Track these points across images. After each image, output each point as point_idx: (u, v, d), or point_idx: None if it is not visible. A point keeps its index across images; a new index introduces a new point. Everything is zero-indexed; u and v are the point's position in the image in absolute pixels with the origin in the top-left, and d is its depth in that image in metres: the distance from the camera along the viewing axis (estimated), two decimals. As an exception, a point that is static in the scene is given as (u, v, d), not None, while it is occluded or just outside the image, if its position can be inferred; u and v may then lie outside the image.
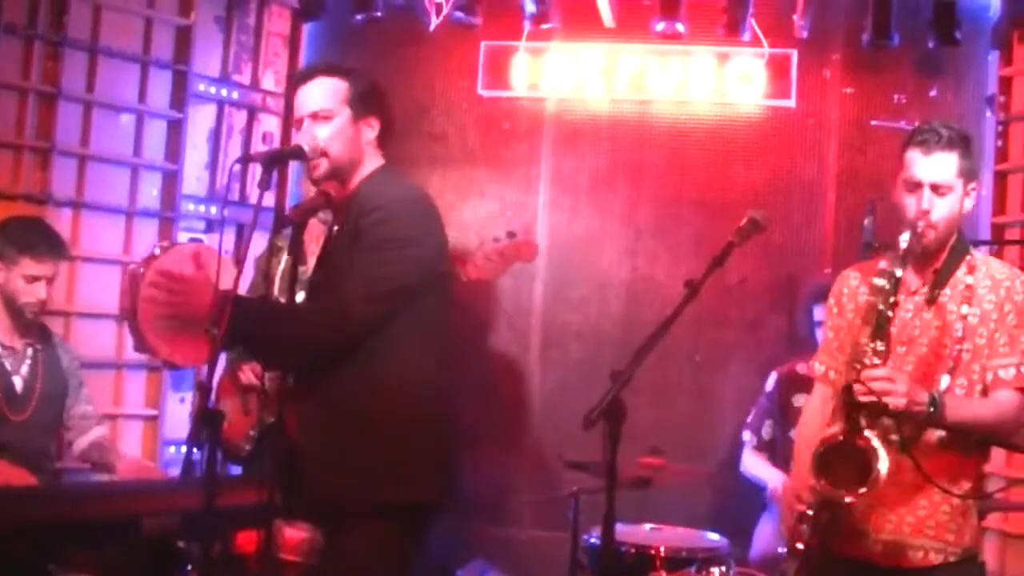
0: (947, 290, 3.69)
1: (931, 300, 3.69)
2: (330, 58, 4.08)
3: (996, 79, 6.06)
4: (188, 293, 3.65)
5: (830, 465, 3.54)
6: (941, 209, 3.64)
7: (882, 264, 3.66)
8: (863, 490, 3.47)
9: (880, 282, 3.58)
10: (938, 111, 6.08)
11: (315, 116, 3.89)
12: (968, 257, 3.74)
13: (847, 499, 3.51)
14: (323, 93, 3.91)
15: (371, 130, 3.97)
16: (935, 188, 3.63)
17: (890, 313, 3.56)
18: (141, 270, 3.86)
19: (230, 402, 5.38)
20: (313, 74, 3.97)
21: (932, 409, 3.46)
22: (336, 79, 3.93)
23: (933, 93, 6.18)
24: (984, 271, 3.71)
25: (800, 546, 3.70)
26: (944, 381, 3.62)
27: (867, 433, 3.50)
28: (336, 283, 3.79)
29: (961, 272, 3.71)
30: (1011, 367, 3.62)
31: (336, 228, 3.95)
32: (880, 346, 3.54)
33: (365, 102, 3.95)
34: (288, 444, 3.87)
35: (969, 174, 3.68)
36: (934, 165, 3.63)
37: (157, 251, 3.95)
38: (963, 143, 3.66)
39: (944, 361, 3.65)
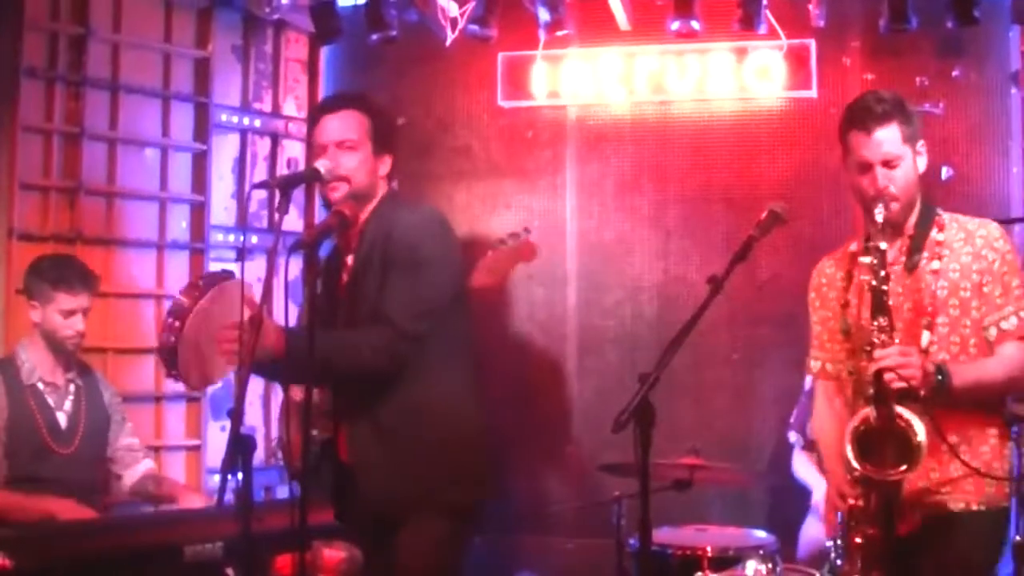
0: (925, 253, 3.71)
1: (911, 267, 3.71)
2: (350, 85, 4.33)
3: (1019, 55, 5.99)
4: (256, 335, 3.70)
5: (868, 449, 3.52)
6: (898, 180, 3.66)
7: (852, 247, 3.68)
8: (905, 467, 3.46)
9: (867, 259, 3.59)
10: (962, 91, 6.05)
11: (340, 144, 4.10)
12: (936, 217, 3.76)
13: (892, 477, 3.49)
14: (350, 125, 4.14)
15: (384, 165, 4.21)
16: (887, 163, 3.65)
17: (884, 287, 3.56)
18: (186, 303, 3.96)
19: (293, 423, 5.40)
20: (341, 105, 4.20)
21: (940, 377, 3.47)
22: (361, 114, 4.17)
23: (956, 74, 6.11)
24: (955, 226, 3.74)
25: (859, 540, 3.66)
26: (924, 338, 3.63)
27: (899, 409, 3.48)
28: (369, 310, 4.01)
29: (933, 232, 3.73)
30: (1011, 316, 3.64)
31: (351, 257, 4.12)
32: (883, 321, 3.53)
33: (384, 139, 4.20)
34: (338, 463, 4.18)
35: (914, 137, 3.70)
36: (879, 141, 3.64)
37: (201, 283, 4.06)
38: (899, 110, 3.67)
39: (927, 318, 3.66)
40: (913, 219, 3.75)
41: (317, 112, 4.33)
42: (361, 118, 4.17)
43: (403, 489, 4.05)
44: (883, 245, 3.57)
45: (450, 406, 4.13)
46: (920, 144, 3.74)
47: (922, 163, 3.75)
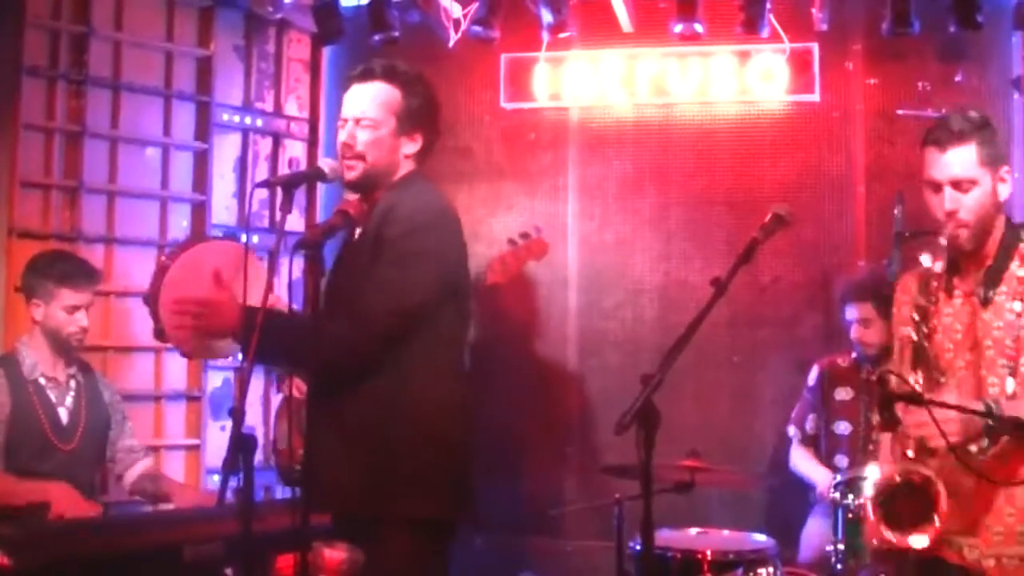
0: (1003, 287, 3.55)
1: (986, 301, 3.56)
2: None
3: (1021, 60, 5.98)
4: (210, 315, 3.66)
5: (894, 508, 3.44)
6: (968, 205, 3.50)
7: (936, 267, 3.54)
8: (932, 526, 3.38)
9: (914, 315, 3.52)
10: (964, 96, 6.02)
11: (359, 121, 3.90)
12: (1020, 246, 3.59)
13: (915, 543, 3.42)
14: (373, 101, 3.91)
15: (413, 144, 3.97)
16: (956, 185, 3.50)
17: (926, 344, 3.48)
18: (167, 262, 3.95)
19: (284, 424, 5.38)
20: (371, 76, 3.95)
21: (991, 423, 3.33)
22: (391, 87, 3.93)
23: (958, 78, 6.11)
24: None
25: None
26: (1010, 384, 3.48)
27: (923, 470, 3.39)
28: (354, 292, 3.76)
29: (1015, 266, 3.56)
30: None
31: (359, 231, 3.92)
32: (920, 378, 3.46)
33: (413, 117, 3.95)
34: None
35: (995, 160, 3.53)
36: (951, 162, 3.50)
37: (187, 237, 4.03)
38: (980, 131, 3.51)
39: (1010, 363, 3.51)
40: (994, 248, 3.58)
41: (348, 79, 4.03)
42: (389, 93, 3.91)
43: (361, 498, 3.74)
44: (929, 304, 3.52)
45: (426, 414, 3.78)
46: (1004, 170, 3.56)
47: (1004, 190, 3.56)
